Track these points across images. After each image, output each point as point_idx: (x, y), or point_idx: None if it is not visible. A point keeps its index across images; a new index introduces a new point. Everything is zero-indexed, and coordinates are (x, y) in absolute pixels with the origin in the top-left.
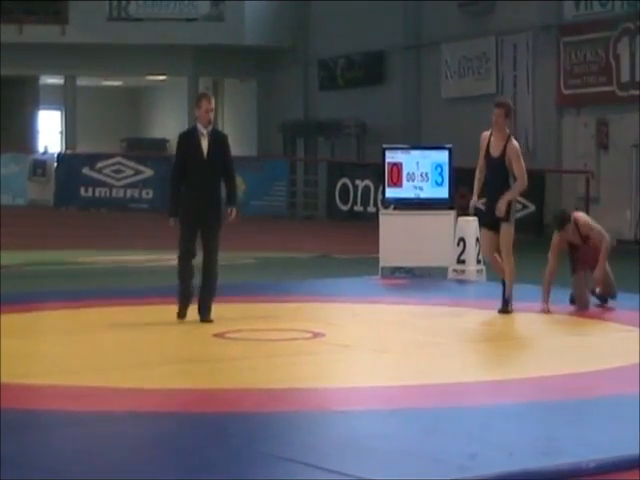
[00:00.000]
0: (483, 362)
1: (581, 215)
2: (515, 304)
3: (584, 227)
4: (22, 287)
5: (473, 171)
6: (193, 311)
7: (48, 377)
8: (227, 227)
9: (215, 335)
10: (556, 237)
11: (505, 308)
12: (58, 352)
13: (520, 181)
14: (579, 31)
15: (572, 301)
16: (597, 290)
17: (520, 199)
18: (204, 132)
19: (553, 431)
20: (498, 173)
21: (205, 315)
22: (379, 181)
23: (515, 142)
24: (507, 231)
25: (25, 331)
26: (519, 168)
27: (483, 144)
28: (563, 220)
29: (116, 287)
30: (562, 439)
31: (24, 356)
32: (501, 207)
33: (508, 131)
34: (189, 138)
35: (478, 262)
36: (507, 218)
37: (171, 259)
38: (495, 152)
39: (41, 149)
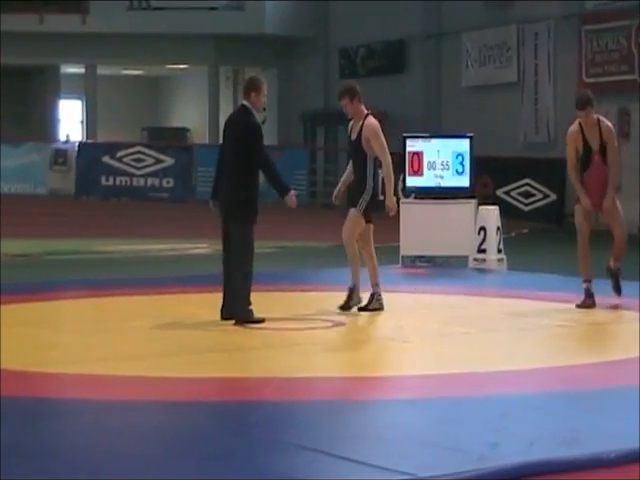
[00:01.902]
0: (503, 351)
1: (608, 122)
2: (538, 293)
3: (607, 131)
4: (43, 276)
5: (494, 159)
6: (214, 300)
7: (68, 366)
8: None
9: (235, 324)
10: (574, 125)
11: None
12: (78, 341)
13: (384, 160)
14: (600, 19)
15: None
16: (612, 265)
17: (541, 188)
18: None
19: (574, 421)
20: (357, 155)
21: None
22: (399, 170)
23: (372, 120)
24: (353, 217)
25: (46, 320)
26: (378, 146)
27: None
28: (586, 99)
29: (137, 276)
30: (583, 429)
31: (45, 345)
32: (390, 205)
33: (366, 111)
34: None
35: (499, 251)
36: (355, 204)
37: (191, 248)
38: (353, 135)
39: (63, 138)
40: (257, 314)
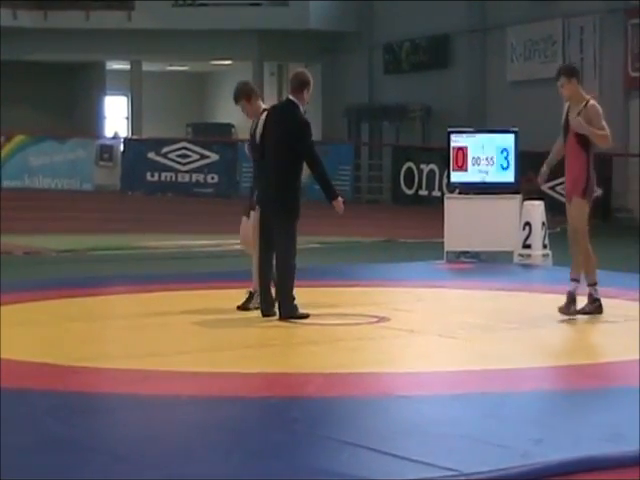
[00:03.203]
0: (548, 347)
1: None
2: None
3: (592, 109)
4: (89, 271)
5: (539, 155)
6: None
7: (113, 361)
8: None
9: (280, 320)
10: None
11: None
12: (124, 336)
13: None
14: None
15: None
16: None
17: None
18: None
19: (619, 418)
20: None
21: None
22: (444, 165)
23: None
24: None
25: (91, 315)
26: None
27: None
28: (572, 69)
29: (182, 271)
30: (628, 426)
31: (90, 339)
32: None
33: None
34: None
35: (544, 247)
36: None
37: (236, 243)
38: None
39: (111, 134)
40: (301, 309)
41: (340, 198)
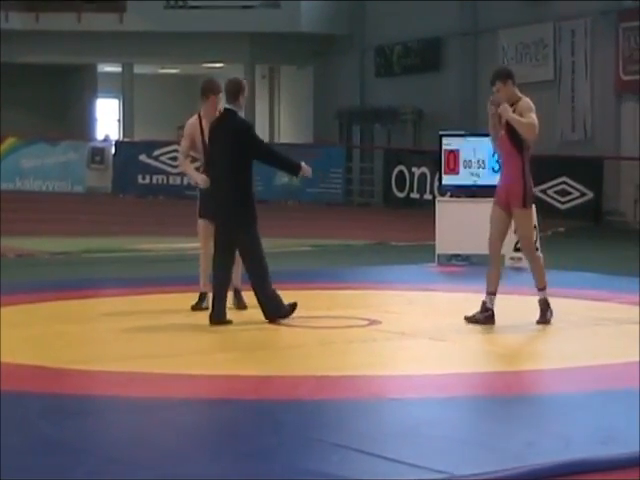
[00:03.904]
0: (539, 350)
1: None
2: (573, 291)
3: (524, 103)
4: (80, 274)
5: (531, 158)
6: (249, 298)
7: (106, 363)
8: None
9: (270, 322)
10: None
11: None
12: (116, 338)
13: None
14: (638, 17)
15: None
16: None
17: (578, 186)
18: None
19: (611, 420)
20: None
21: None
22: (435, 168)
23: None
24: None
25: (84, 317)
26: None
27: None
28: (506, 72)
29: (174, 274)
30: (620, 428)
31: (83, 342)
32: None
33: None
34: None
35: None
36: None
37: None
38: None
39: (101, 136)
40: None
41: (302, 163)
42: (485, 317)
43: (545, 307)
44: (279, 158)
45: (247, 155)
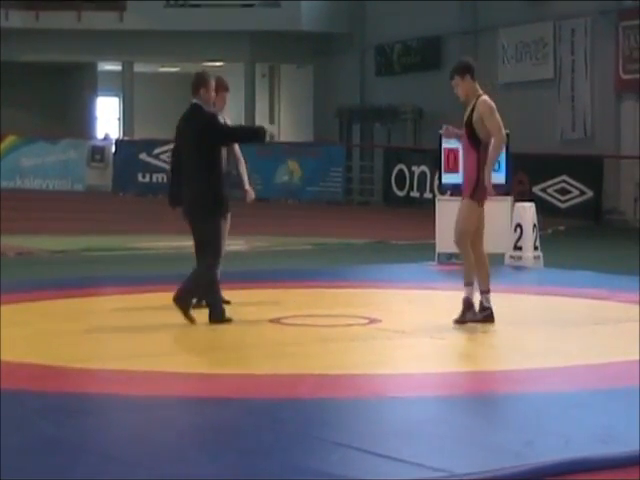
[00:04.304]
0: (539, 348)
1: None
2: (573, 289)
3: (483, 104)
4: (80, 272)
5: (530, 156)
6: (250, 297)
7: (106, 361)
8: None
9: (271, 321)
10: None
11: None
12: (116, 337)
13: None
14: (638, 15)
15: None
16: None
17: (578, 185)
18: None
19: (610, 419)
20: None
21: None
22: (435, 167)
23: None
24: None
25: (84, 316)
26: None
27: None
28: (464, 66)
29: (174, 272)
30: (619, 427)
31: (83, 340)
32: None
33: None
34: None
35: (535, 248)
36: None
37: (227, 244)
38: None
39: (102, 135)
40: (292, 311)
41: (264, 127)
42: (485, 316)
43: (467, 307)
44: (243, 131)
45: (214, 146)
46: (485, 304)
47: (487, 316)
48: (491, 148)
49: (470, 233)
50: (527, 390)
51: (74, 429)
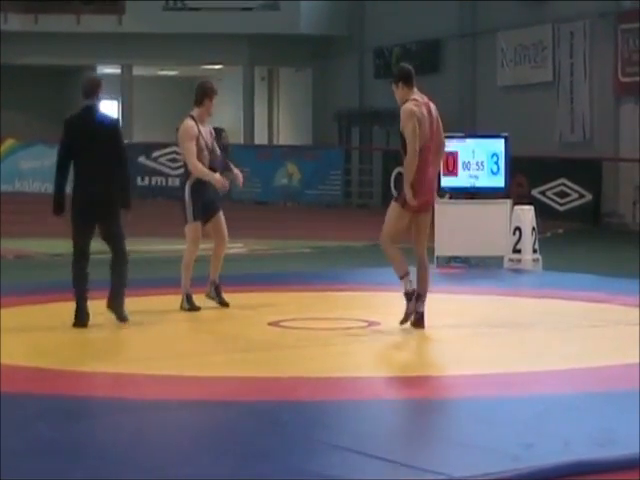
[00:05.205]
0: (538, 351)
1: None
2: (573, 294)
3: (402, 113)
4: None
5: (529, 159)
6: (249, 300)
7: (104, 364)
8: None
9: (270, 324)
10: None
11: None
12: (114, 340)
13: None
14: (637, 18)
15: None
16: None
17: (577, 188)
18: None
19: (609, 422)
20: None
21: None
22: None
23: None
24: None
25: None
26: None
27: None
28: (398, 74)
29: (172, 275)
30: (618, 430)
31: (80, 344)
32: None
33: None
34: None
35: (534, 251)
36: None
37: (227, 248)
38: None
39: None
40: (291, 314)
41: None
42: (416, 320)
43: (409, 299)
44: (127, 178)
45: (115, 151)
46: (411, 308)
47: (410, 317)
48: (405, 159)
49: (391, 235)
50: (526, 393)
51: (73, 432)
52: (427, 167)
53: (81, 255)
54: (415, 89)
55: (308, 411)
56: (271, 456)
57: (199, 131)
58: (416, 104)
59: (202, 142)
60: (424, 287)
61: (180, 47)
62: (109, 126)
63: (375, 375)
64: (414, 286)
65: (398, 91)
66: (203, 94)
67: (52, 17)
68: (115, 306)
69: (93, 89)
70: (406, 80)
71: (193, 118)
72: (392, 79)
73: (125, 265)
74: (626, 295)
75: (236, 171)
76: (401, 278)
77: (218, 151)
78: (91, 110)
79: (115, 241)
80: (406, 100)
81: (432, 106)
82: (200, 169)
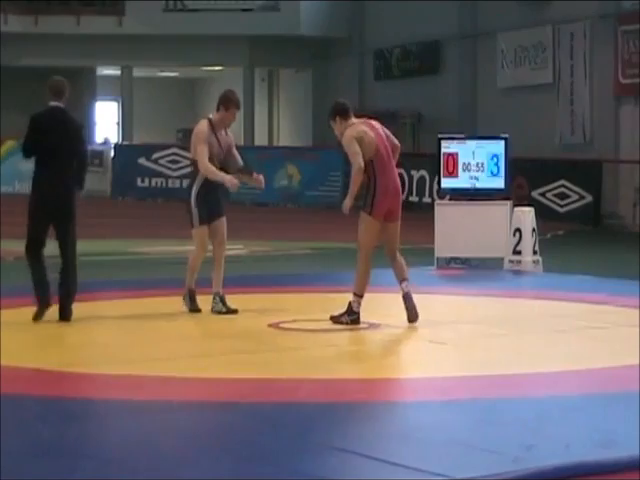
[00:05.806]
0: (539, 353)
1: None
2: (574, 295)
3: (344, 139)
4: (80, 276)
5: (529, 161)
6: (249, 301)
7: (106, 366)
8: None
9: (270, 325)
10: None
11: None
12: (115, 341)
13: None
14: (637, 20)
15: None
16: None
17: (577, 189)
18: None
19: (610, 423)
20: None
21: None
22: (434, 171)
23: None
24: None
25: (81, 320)
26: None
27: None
28: (332, 110)
29: (173, 277)
30: (619, 431)
31: (83, 345)
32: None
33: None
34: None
35: (534, 253)
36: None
37: (227, 249)
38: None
39: (101, 139)
40: (291, 315)
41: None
42: (352, 320)
43: (349, 309)
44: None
45: (76, 153)
46: (354, 309)
47: (355, 320)
48: (352, 172)
49: (367, 246)
50: (527, 394)
51: (74, 434)
52: (386, 169)
53: (34, 242)
54: (352, 118)
55: (307, 413)
56: (270, 458)
57: (214, 136)
58: (352, 127)
59: (215, 146)
60: (404, 272)
61: (180, 48)
62: (74, 129)
63: (374, 377)
64: (360, 309)
65: (337, 125)
66: (225, 103)
67: (52, 18)
68: (63, 315)
69: (60, 90)
70: (342, 114)
71: (210, 122)
72: (329, 116)
73: (73, 273)
74: (626, 297)
75: (255, 175)
76: (355, 295)
77: (239, 160)
78: (57, 111)
79: (64, 247)
80: (346, 129)
81: (373, 122)
82: (211, 170)
